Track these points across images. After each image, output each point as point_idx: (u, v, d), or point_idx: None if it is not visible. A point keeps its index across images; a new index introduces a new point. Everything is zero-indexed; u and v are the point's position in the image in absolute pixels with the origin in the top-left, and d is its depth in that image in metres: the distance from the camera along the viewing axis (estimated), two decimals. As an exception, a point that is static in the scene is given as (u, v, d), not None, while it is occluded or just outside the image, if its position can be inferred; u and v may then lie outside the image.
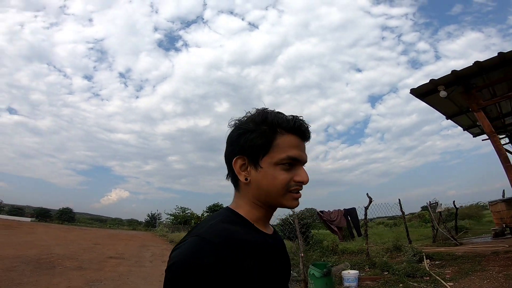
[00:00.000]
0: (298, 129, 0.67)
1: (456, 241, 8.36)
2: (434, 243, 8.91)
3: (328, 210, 7.51)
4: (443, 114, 5.34)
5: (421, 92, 4.01)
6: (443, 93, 3.66)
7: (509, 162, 3.17)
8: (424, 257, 6.28)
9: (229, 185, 0.74)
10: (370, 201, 7.56)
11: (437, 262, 6.16)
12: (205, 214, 34.92)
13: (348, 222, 7.48)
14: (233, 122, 0.71)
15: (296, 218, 6.51)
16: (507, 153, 7.60)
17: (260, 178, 0.66)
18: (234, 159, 0.67)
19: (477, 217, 18.17)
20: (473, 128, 7.15)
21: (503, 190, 11.88)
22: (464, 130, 7.29)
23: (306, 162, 0.69)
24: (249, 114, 0.70)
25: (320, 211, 7.62)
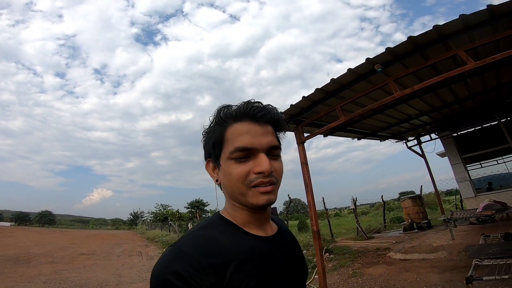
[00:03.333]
0: (248, 113, 0.60)
1: (365, 235, 8.93)
2: (357, 236, 9.34)
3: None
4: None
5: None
6: None
7: (309, 187, 4.03)
8: (323, 251, 6.66)
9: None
10: (290, 201, 9.47)
11: (331, 256, 6.82)
12: (186, 211, 36.47)
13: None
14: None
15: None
16: (416, 154, 9.39)
17: (221, 177, 0.62)
18: (205, 162, 0.67)
19: (434, 205, 17.40)
20: (370, 136, 8.54)
21: (421, 185, 13.52)
22: (359, 139, 8.39)
23: (268, 147, 0.60)
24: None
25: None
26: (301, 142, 4.59)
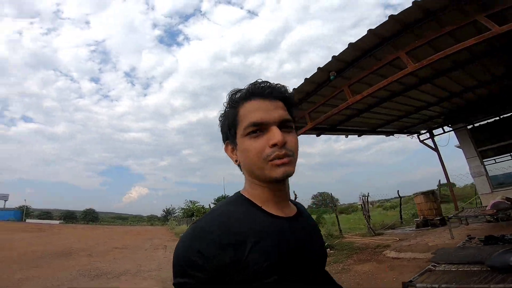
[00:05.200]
0: (257, 92, 0.65)
1: (373, 232, 8.89)
2: (367, 232, 9.27)
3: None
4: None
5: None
6: None
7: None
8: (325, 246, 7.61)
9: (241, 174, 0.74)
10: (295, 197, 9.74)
11: (332, 251, 6.77)
12: (212, 206, 37.94)
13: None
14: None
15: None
16: (428, 147, 9.18)
17: (240, 155, 0.66)
18: (224, 146, 0.71)
19: (469, 198, 15.22)
20: (369, 132, 7.92)
21: (439, 180, 12.58)
22: (359, 136, 7.78)
23: (280, 120, 0.63)
24: None
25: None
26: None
